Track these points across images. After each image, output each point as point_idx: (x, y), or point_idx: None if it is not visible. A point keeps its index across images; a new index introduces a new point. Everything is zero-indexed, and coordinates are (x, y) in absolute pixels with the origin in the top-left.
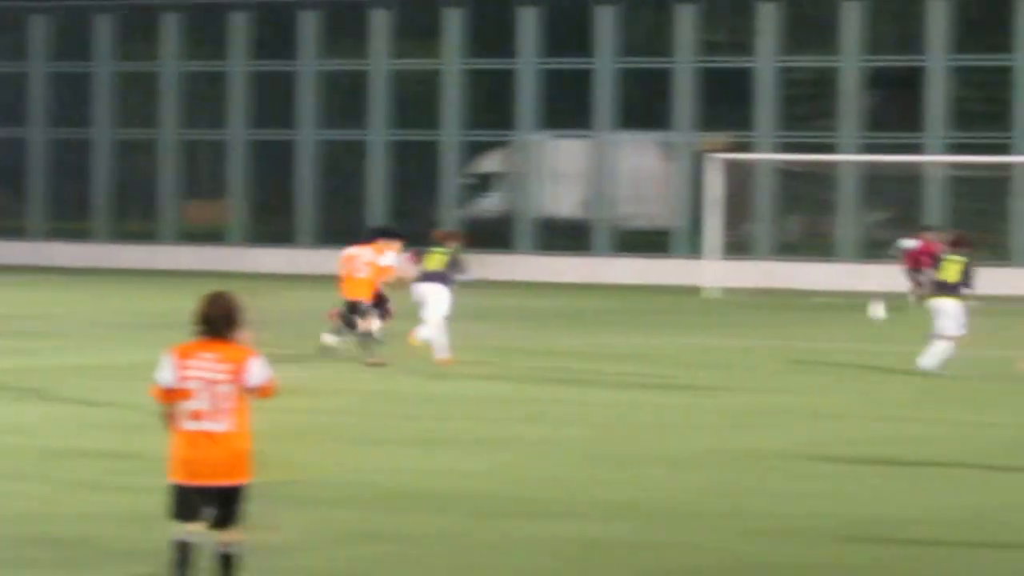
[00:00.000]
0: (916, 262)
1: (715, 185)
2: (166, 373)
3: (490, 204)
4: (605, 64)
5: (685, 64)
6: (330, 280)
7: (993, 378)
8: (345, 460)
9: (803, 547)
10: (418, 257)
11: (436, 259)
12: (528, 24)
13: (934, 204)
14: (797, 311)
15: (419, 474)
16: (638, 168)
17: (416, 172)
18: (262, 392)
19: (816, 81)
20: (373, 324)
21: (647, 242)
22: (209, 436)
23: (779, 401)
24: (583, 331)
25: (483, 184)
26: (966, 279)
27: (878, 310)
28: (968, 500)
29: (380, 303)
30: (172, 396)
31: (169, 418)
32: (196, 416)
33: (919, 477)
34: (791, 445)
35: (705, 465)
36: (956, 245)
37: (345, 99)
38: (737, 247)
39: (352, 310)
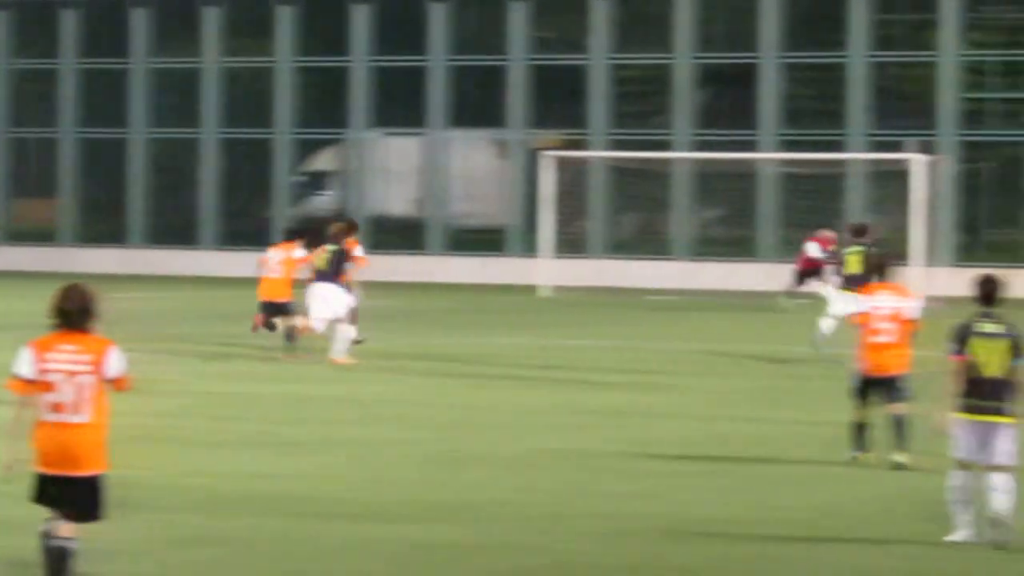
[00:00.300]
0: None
1: (548, 183)
2: (25, 366)
3: (323, 202)
4: (437, 61)
5: (518, 61)
6: (161, 280)
7: (828, 376)
8: (177, 463)
9: (634, 547)
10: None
11: (323, 257)
12: (360, 21)
13: (767, 201)
14: (631, 309)
15: (252, 477)
16: (471, 166)
17: (249, 170)
18: (118, 384)
19: (649, 78)
20: (298, 321)
21: (481, 240)
22: (69, 427)
23: (613, 400)
24: (417, 331)
25: (316, 182)
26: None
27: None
28: (797, 499)
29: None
30: (31, 388)
31: (21, 409)
32: (57, 408)
33: (751, 476)
34: (624, 445)
35: (537, 465)
36: (859, 235)
37: (177, 97)
38: (571, 245)
39: (270, 311)
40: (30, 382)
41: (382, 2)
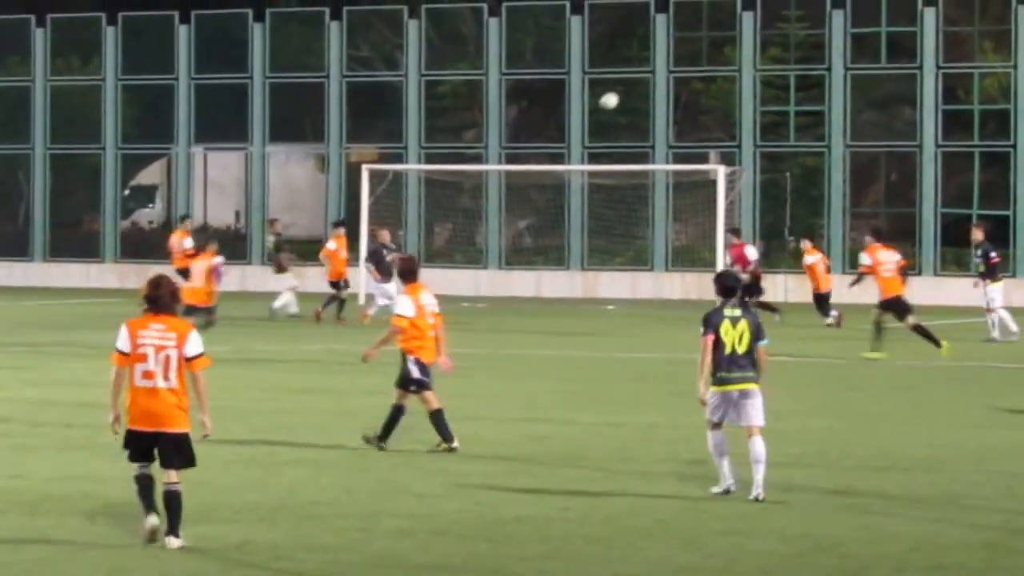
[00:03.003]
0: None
1: (365, 195)
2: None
3: (150, 214)
4: (258, 79)
5: (335, 78)
6: None
7: (634, 380)
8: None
9: (450, 546)
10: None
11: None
12: (183, 41)
13: (576, 211)
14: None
15: (74, 479)
16: (291, 179)
17: (78, 184)
18: (192, 364)
19: (461, 94)
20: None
21: (302, 251)
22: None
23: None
24: (236, 337)
25: (143, 196)
26: None
27: None
28: (592, 490)
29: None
30: (128, 360)
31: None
32: (147, 376)
33: (561, 476)
34: (432, 444)
35: (353, 467)
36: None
37: (8, 114)
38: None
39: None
40: (126, 355)
41: (204, 23)
